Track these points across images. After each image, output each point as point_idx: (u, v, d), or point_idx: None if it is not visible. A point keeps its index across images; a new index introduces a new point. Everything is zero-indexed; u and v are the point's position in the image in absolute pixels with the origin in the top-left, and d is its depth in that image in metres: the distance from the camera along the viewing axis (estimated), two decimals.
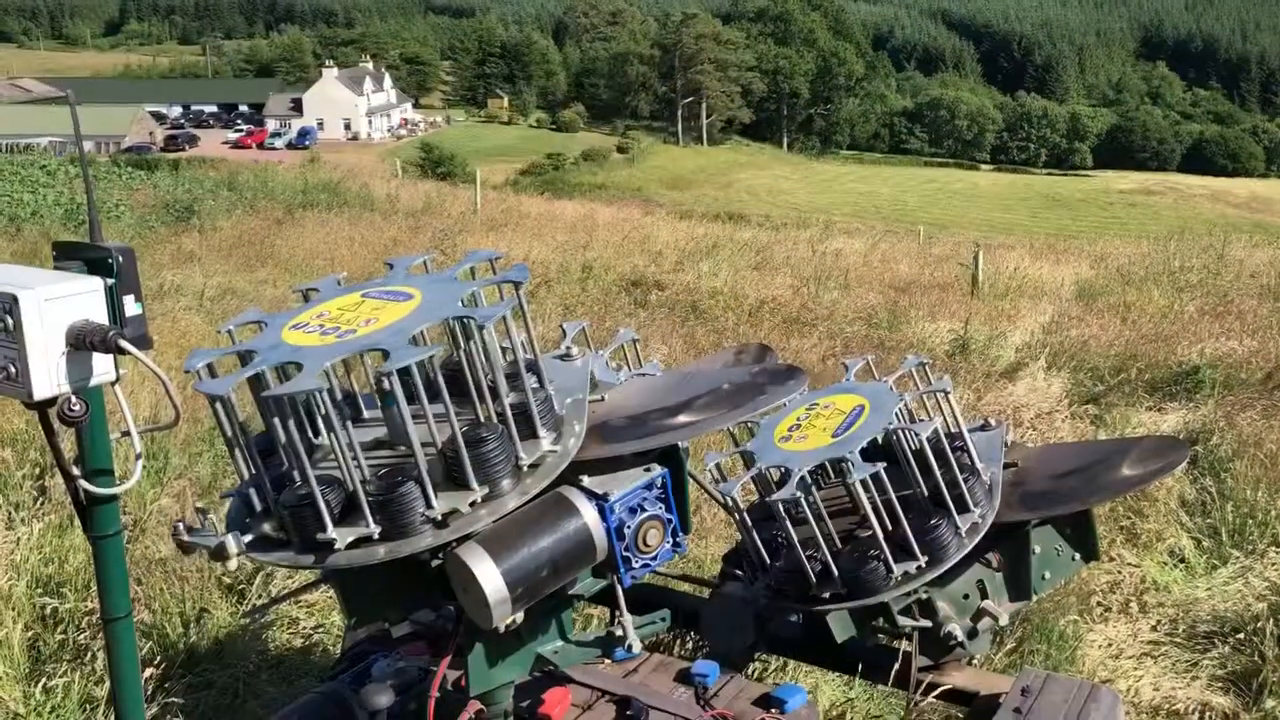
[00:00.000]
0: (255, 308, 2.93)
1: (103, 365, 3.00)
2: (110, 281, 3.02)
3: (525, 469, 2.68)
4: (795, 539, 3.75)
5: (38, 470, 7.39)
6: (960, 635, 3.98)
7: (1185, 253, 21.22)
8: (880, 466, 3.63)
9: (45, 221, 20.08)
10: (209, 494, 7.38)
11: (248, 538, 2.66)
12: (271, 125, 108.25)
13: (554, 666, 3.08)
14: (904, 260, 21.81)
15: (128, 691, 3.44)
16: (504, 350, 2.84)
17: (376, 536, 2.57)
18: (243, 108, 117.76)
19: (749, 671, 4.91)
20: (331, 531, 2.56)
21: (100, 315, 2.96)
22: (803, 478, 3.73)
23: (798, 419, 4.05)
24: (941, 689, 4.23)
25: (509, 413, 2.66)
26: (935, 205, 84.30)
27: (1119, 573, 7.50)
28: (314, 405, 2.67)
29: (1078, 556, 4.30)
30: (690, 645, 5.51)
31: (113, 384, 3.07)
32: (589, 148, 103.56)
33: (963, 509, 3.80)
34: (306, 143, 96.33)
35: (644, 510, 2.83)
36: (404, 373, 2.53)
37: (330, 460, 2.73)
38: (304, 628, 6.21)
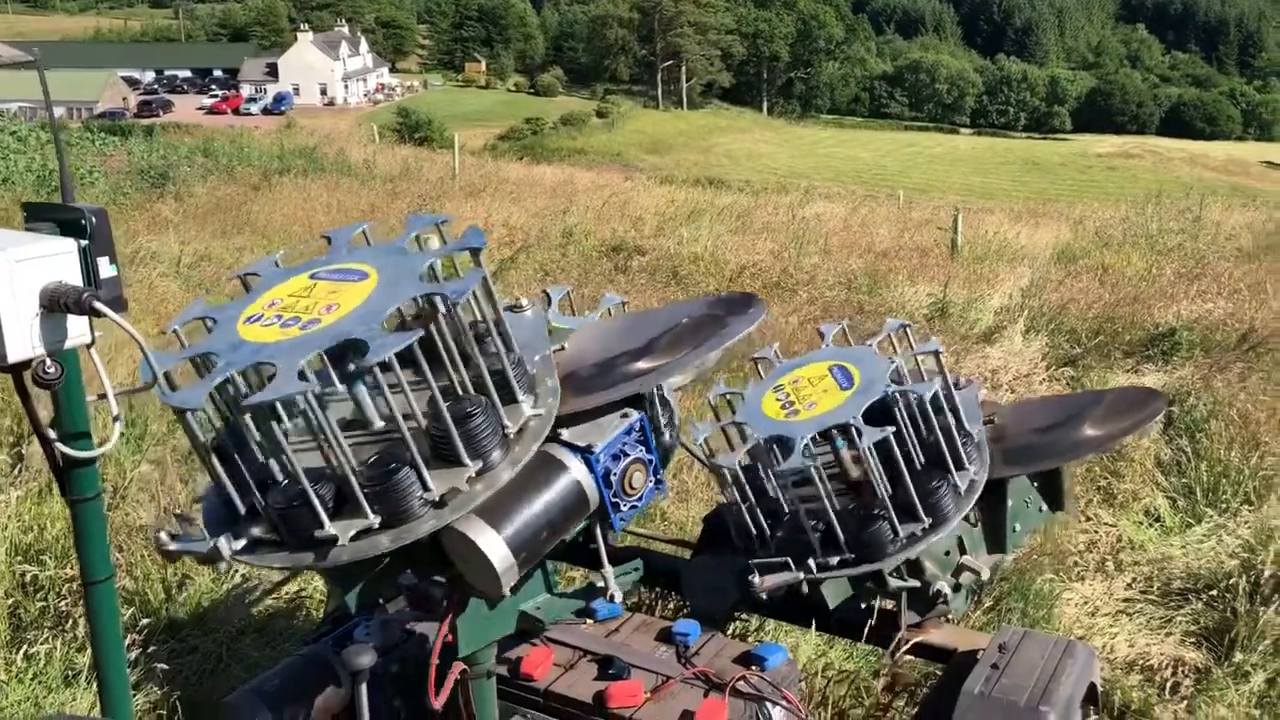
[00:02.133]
0: (200, 300, 2.75)
1: (78, 327, 2.97)
2: (84, 243, 2.99)
3: (512, 436, 2.65)
4: (801, 509, 3.74)
5: (14, 438, 7.34)
6: (948, 592, 4.02)
7: (1163, 216, 21.30)
8: (890, 431, 3.62)
9: (17, 188, 19.81)
10: (189, 461, 7.35)
11: (239, 543, 2.56)
12: (247, 90, 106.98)
13: (540, 622, 3.09)
14: (884, 225, 21.80)
15: (109, 655, 3.44)
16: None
17: (377, 526, 2.52)
18: (217, 73, 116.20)
19: (729, 630, 4.96)
20: (330, 527, 2.50)
21: (74, 277, 2.93)
22: (806, 446, 3.72)
23: (785, 388, 4.03)
24: (921, 646, 4.28)
25: (490, 384, 2.61)
26: (915, 169, 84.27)
27: (1095, 532, 7.60)
28: (291, 403, 2.58)
29: (1045, 508, 4.36)
30: (672, 605, 5.55)
31: (88, 346, 3.05)
32: (568, 112, 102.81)
33: (959, 467, 3.83)
34: (282, 108, 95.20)
35: (626, 455, 2.84)
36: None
37: (301, 449, 2.65)
38: (286, 592, 6.21)
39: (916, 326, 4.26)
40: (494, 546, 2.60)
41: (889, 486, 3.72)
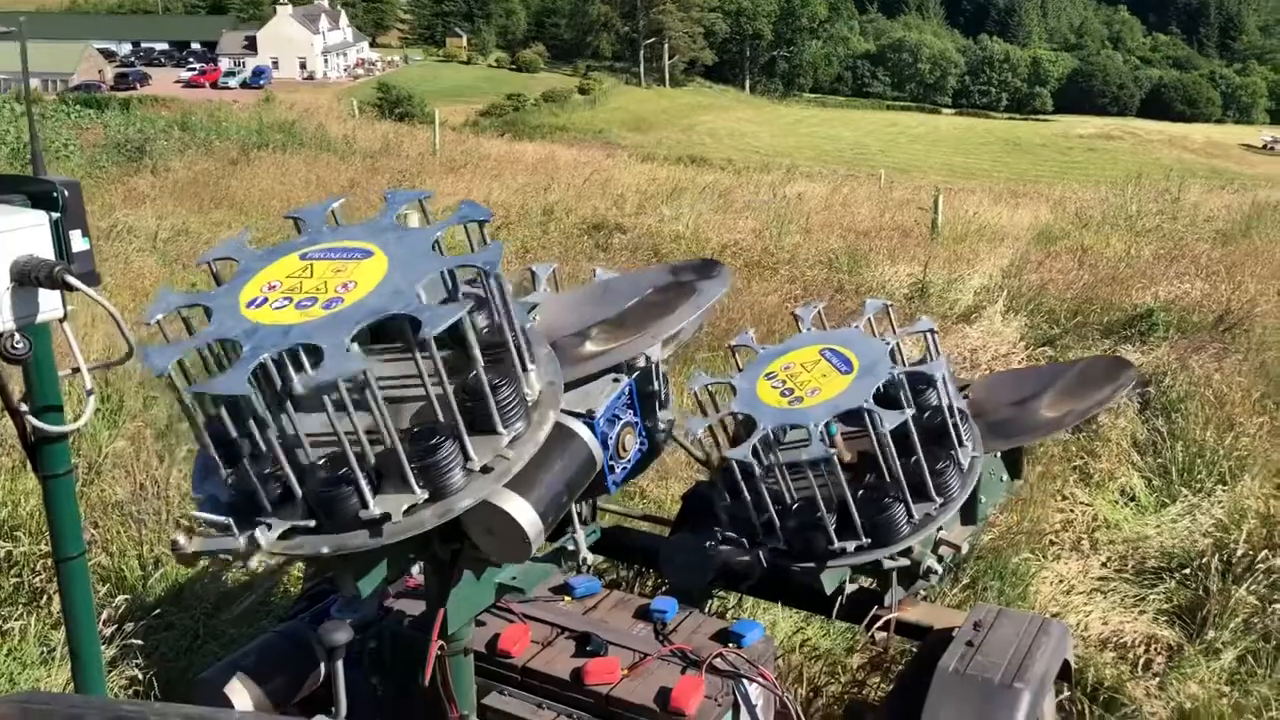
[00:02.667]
0: (168, 291, 2.63)
1: (49, 302, 2.94)
2: (55, 216, 2.94)
3: (531, 404, 2.67)
4: (818, 495, 3.70)
5: None
6: (938, 568, 4.04)
7: (1142, 198, 21.38)
8: (910, 414, 3.61)
9: None
10: (165, 436, 7.30)
11: (273, 534, 2.49)
12: (225, 64, 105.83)
13: (520, 592, 3.10)
14: (865, 204, 21.81)
15: (83, 631, 3.42)
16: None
17: (422, 501, 2.50)
18: (195, 46, 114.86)
19: (707, 608, 4.97)
20: (376, 506, 2.47)
21: (46, 250, 2.89)
22: (765, 436, 3.69)
23: (779, 375, 3.96)
24: (897, 623, 4.31)
25: (515, 353, 2.60)
26: (897, 149, 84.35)
27: (1071, 511, 7.65)
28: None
29: (1006, 477, 4.39)
30: (650, 583, 5.56)
31: (60, 321, 3.01)
32: (550, 89, 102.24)
33: (960, 445, 3.85)
34: (261, 82, 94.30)
35: (619, 419, 2.91)
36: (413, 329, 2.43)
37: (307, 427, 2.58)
38: (259, 568, 6.18)
39: (896, 307, 4.25)
40: (524, 513, 2.62)
41: (897, 469, 3.71)
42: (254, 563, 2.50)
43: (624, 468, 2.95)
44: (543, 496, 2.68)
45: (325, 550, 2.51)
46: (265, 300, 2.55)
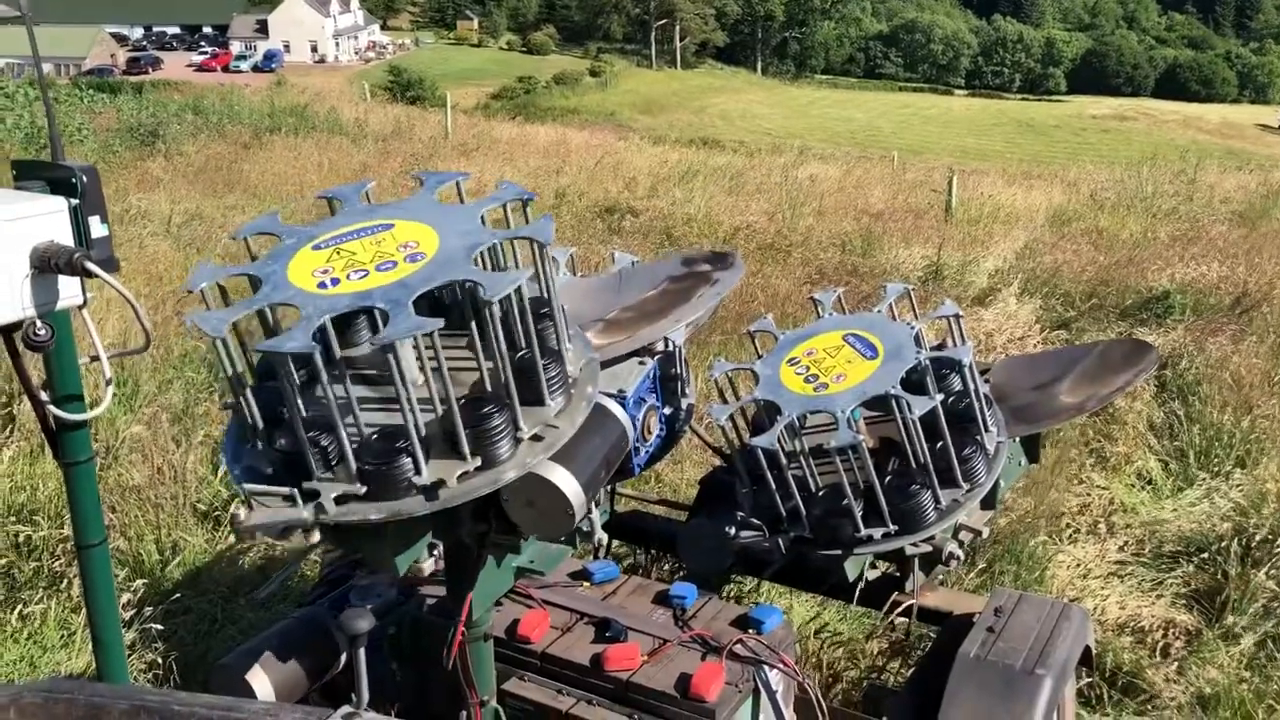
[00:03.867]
0: (204, 261, 2.61)
1: (69, 288, 2.93)
2: (74, 202, 2.93)
3: (526, 439, 2.62)
4: (845, 483, 3.68)
5: (4, 397, 7.30)
6: (959, 553, 4.02)
7: (1158, 178, 21.24)
8: (939, 399, 3.59)
9: (4, 146, 19.62)
10: (181, 420, 7.33)
11: (330, 500, 2.46)
12: (236, 47, 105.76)
13: (539, 574, 3.09)
14: (878, 186, 21.71)
15: (104, 618, 3.42)
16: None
17: (474, 470, 2.50)
18: (206, 29, 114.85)
19: (724, 593, 4.97)
20: (427, 472, 2.46)
21: (65, 236, 2.88)
22: (791, 423, 3.66)
23: (802, 361, 3.93)
24: (916, 609, 4.30)
25: (510, 383, 2.55)
26: (909, 131, 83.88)
27: (1088, 495, 7.62)
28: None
29: (1024, 461, 4.37)
30: (667, 568, 5.55)
31: (80, 308, 3.01)
32: (561, 71, 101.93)
33: (985, 430, 3.83)
34: (273, 65, 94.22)
35: (646, 401, 2.92)
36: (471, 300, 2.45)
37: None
38: (280, 553, 6.21)
39: (912, 289, 4.22)
40: (569, 483, 2.62)
41: (925, 456, 3.69)
42: (315, 536, 2.47)
43: (648, 450, 2.96)
44: (584, 469, 2.68)
45: (376, 516, 2.49)
46: (316, 275, 2.55)
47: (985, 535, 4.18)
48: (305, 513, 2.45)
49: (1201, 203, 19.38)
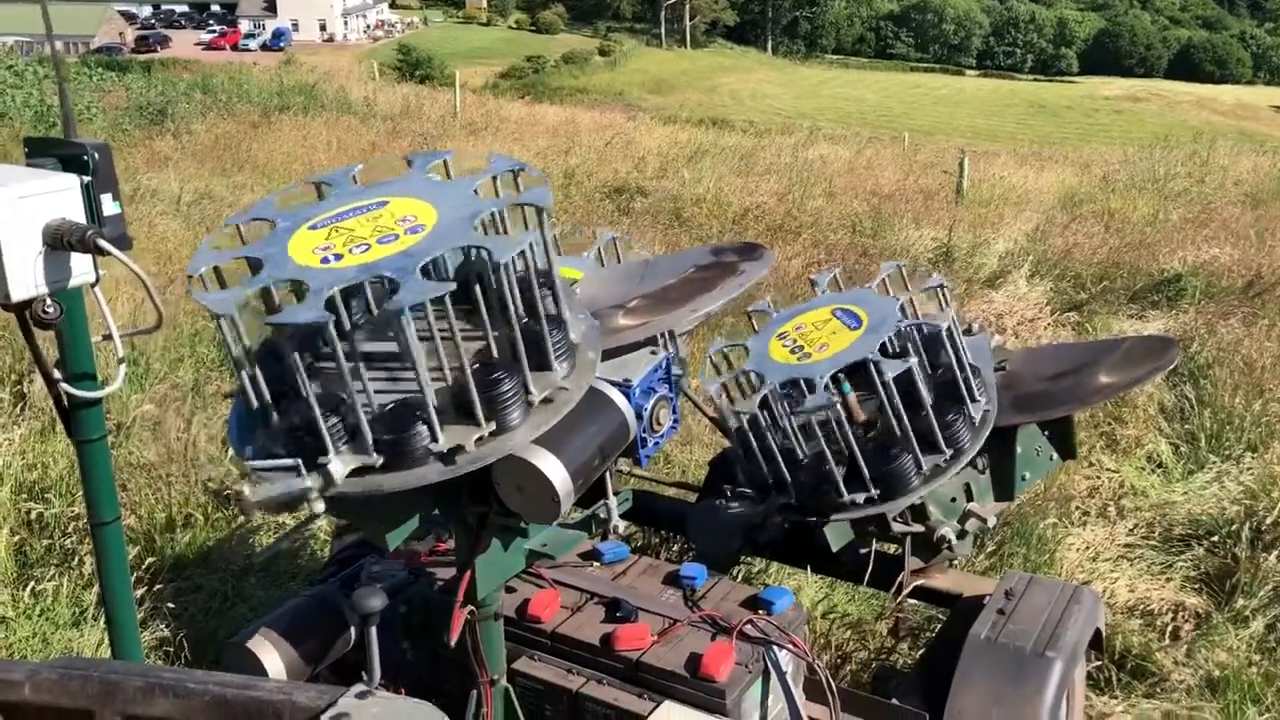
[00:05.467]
0: (207, 245, 2.63)
1: (82, 266, 2.93)
2: (86, 179, 2.93)
3: (536, 403, 2.64)
4: (826, 449, 3.74)
5: (15, 375, 7.33)
6: (953, 537, 4.03)
7: (1170, 160, 21.12)
8: (912, 362, 3.64)
9: (14, 124, 19.61)
10: (190, 398, 7.34)
11: (342, 472, 2.47)
12: (245, 26, 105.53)
13: (549, 559, 3.10)
14: (888, 167, 21.62)
15: (118, 595, 3.44)
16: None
17: (488, 435, 2.52)
18: (215, 7, 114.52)
19: (734, 574, 4.98)
20: (444, 439, 2.48)
21: (77, 214, 2.88)
22: (773, 390, 3.75)
23: (790, 335, 4.03)
24: (925, 590, 4.30)
25: (520, 348, 2.56)
26: (920, 111, 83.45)
27: (1098, 478, 7.61)
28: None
29: (1055, 456, 4.36)
30: (677, 549, 5.56)
31: (92, 285, 3.01)
32: (570, 50, 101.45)
33: (972, 400, 3.85)
34: (281, 44, 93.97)
35: (655, 391, 2.90)
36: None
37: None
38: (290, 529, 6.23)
39: (919, 266, 4.27)
40: (556, 471, 2.61)
41: (904, 419, 3.74)
42: (320, 506, 2.48)
43: (655, 442, 2.94)
44: (575, 457, 2.67)
45: (392, 486, 2.52)
46: (318, 252, 2.57)
47: (991, 524, 4.18)
48: (310, 481, 2.47)
49: (1214, 185, 19.26)
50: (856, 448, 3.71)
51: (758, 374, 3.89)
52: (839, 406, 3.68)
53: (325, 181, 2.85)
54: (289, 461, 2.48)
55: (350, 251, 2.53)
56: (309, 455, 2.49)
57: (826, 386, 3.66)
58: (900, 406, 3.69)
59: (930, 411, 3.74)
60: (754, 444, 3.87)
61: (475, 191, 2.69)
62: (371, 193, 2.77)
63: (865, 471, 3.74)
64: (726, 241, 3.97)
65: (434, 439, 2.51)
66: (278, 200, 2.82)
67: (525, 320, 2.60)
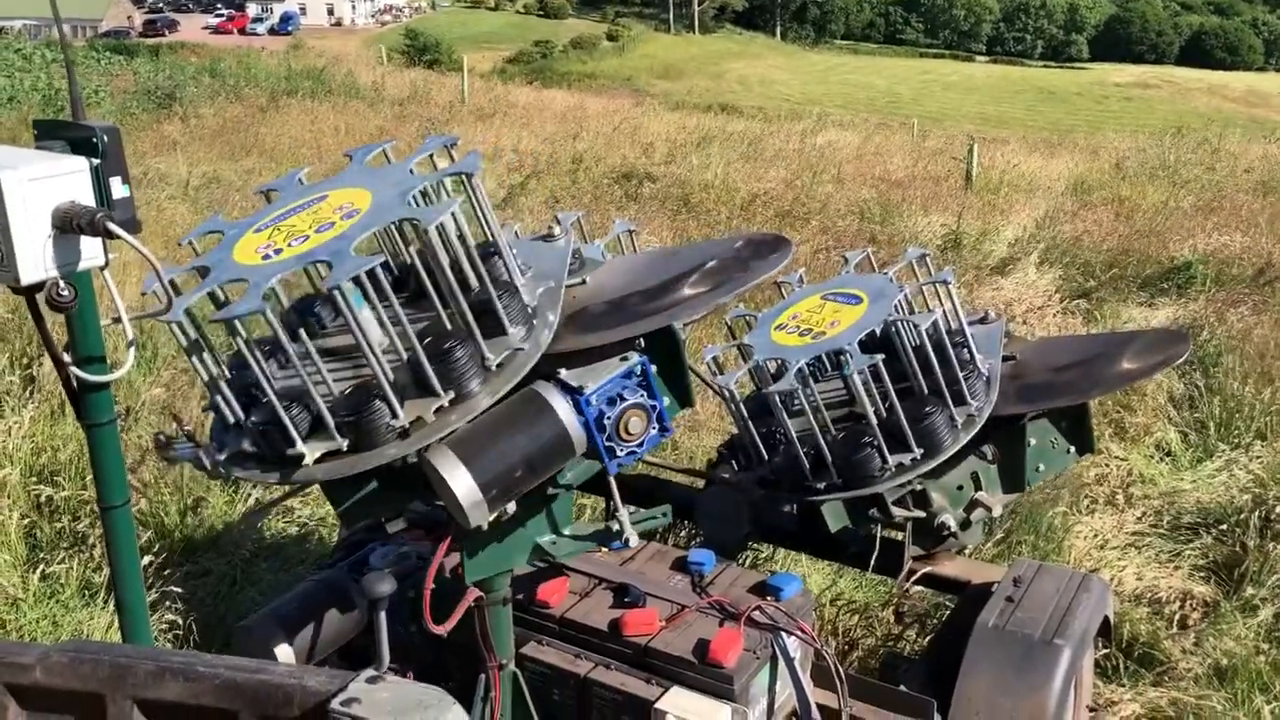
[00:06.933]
0: (165, 269, 2.74)
1: (91, 249, 2.92)
2: (96, 162, 2.92)
3: (494, 369, 2.61)
4: (791, 430, 3.77)
5: (25, 358, 7.34)
6: (953, 525, 4.03)
7: (1181, 147, 21.02)
8: (879, 359, 3.64)
9: (22, 107, 19.64)
10: (200, 383, 7.34)
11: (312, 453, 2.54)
12: (253, 10, 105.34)
13: (551, 557, 3.08)
14: (898, 154, 21.56)
15: (128, 579, 3.45)
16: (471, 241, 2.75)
17: (448, 403, 2.56)
18: None
19: (741, 560, 4.98)
20: (404, 413, 2.53)
21: (87, 197, 2.87)
22: (800, 370, 3.75)
23: (797, 312, 4.06)
24: (933, 577, 4.30)
25: (467, 315, 2.57)
26: (929, 98, 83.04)
27: (1106, 466, 7.59)
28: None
29: (1072, 450, 4.32)
30: (684, 534, 5.57)
31: (101, 268, 3.00)
32: (578, 35, 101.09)
33: (960, 402, 3.81)
34: (289, 28, 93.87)
35: (623, 400, 2.77)
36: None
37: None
38: (300, 516, 6.25)
39: (926, 255, 4.26)
40: (460, 479, 2.57)
41: (885, 414, 3.77)
42: (321, 472, 2.55)
43: (630, 452, 2.83)
44: (488, 467, 2.59)
45: (362, 467, 2.56)
46: (260, 251, 2.63)
47: (997, 514, 4.18)
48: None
49: (1224, 172, 19.18)
50: (820, 435, 3.76)
51: (748, 348, 3.98)
52: (801, 392, 3.77)
53: (272, 188, 2.93)
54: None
55: (289, 244, 2.59)
56: (278, 448, 2.55)
57: (800, 371, 3.75)
58: (867, 397, 3.73)
59: (899, 410, 3.73)
60: (734, 415, 4.01)
61: (411, 171, 2.73)
62: (313, 190, 2.83)
63: (829, 459, 3.78)
64: (757, 232, 3.94)
65: (394, 415, 2.52)
66: (222, 215, 2.92)
67: (476, 291, 2.61)
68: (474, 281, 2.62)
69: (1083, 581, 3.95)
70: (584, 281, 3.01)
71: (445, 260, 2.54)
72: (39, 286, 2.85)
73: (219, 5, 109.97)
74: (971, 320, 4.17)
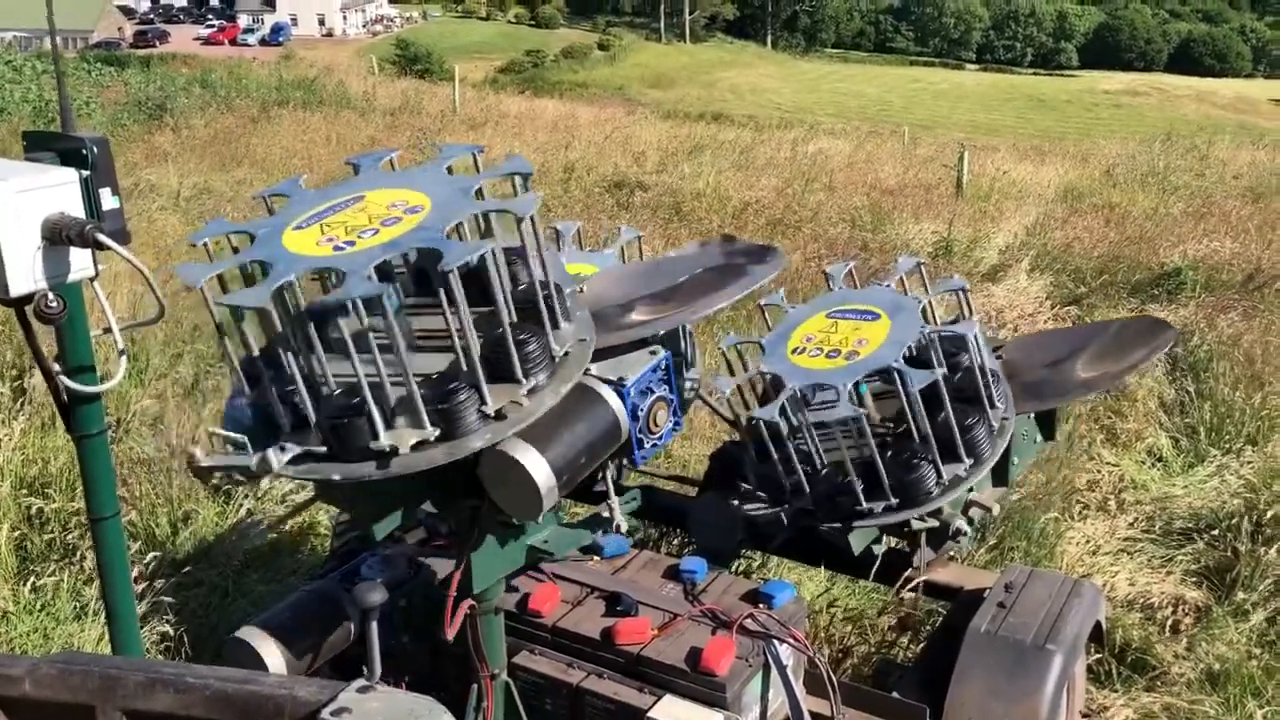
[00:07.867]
0: (220, 218, 2.78)
1: (80, 260, 2.91)
2: (85, 173, 2.92)
3: (558, 360, 2.68)
4: (846, 457, 3.70)
5: (15, 370, 7.32)
6: (966, 528, 4.02)
7: (1170, 154, 21.10)
8: (940, 374, 3.60)
9: (13, 119, 19.60)
10: (191, 394, 7.33)
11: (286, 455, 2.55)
12: (244, 20, 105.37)
13: (549, 556, 3.10)
14: (889, 162, 21.60)
15: (118, 590, 3.43)
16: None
17: (435, 439, 2.58)
18: (213, 2, 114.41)
19: (734, 568, 4.98)
20: (386, 439, 2.53)
21: (76, 208, 2.87)
22: (852, 392, 3.69)
23: (809, 334, 3.97)
24: (926, 584, 4.30)
25: (544, 307, 2.63)
26: (920, 106, 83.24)
27: (1098, 472, 7.60)
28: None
29: (1039, 439, 4.36)
30: (677, 543, 5.56)
31: (91, 280, 3.00)
32: (569, 45, 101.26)
33: (992, 406, 3.82)
34: (280, 39, 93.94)
35: (653, 392, 2.88)
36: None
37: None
38: (290, 526, 6.23)
39: (920, 263, 4.24)
40: (538, 466, 2.62)
41: (926, 429, 3.70)
42: (265, 483, 2.57)
43: (654, 443, 2.92)
44: (560, 454, 2.68)
45: (335, 477, 2.56)
46: (323, 240, 2.62)
47: (996, 512, 4.18)
48: (250, 462, 2.52)
49: (1214, 179, 19.25)
50: (879, 458, 3.67)
51: (777, 378, 3.85)
52: (864, 417, 3.64)
53: (278, 192, 2.92)
54: (238, 438, 2.56)
55: (360, 237, 2.58)
56: (270, 434, 2.56)
57: (851, 395, 3.62)
58: (924, 417, 3.65)
59: (953, 421, 3.69)
60: (772, 450, 3.81)
61: (479, 193, 2.72)
62: (339, 191, 2.82)
63: (886, 482, 3.70)
64: (742, 241, 3.93)
65: (374, 436, 2.52)
66: (304, 180, 2.94)
67: (522, 286, 2.65)
68: (524, 278, 2.67)
69: (1075, 587, 3.96)
70: (581, 289, 3.06)
71: (503, 259, 2.58)
72: (28, 298, 2.84)
73: (209, 16, 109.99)
74: (947, 323, 4.16)
